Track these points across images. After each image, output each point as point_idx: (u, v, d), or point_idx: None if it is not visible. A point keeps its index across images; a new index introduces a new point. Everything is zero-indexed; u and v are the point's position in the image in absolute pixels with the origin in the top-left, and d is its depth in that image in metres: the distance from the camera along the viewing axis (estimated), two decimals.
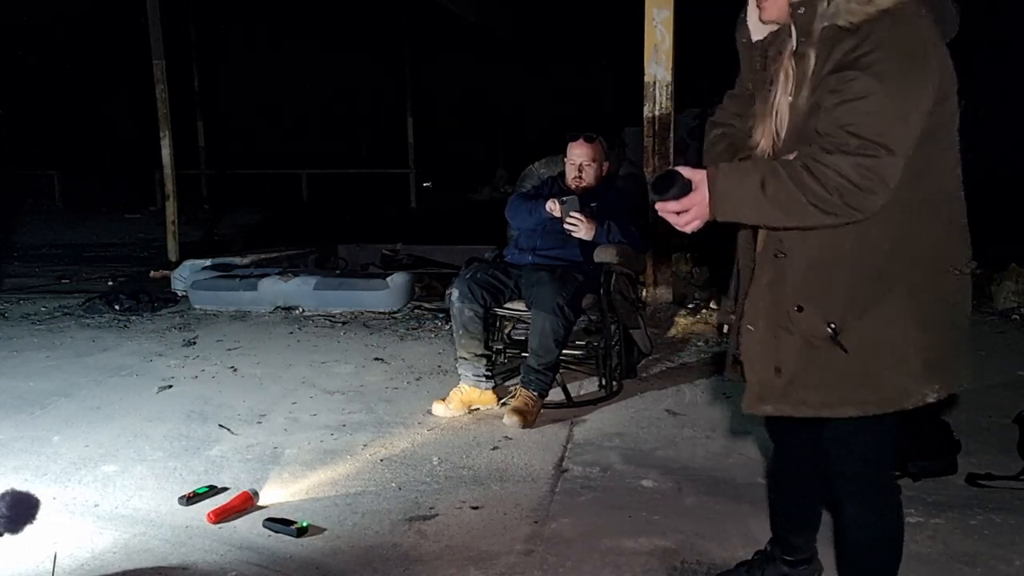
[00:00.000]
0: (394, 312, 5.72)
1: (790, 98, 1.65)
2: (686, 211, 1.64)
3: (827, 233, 1.62)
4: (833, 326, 1.64)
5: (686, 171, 1.64)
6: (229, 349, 4.88)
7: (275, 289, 5.91)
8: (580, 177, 3.92)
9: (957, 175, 1.69)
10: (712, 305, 5.24)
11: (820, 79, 1.59)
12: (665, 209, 1.65)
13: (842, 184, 1.52)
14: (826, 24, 1.57)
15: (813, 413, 1.73)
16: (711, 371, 4.24)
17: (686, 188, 1.63)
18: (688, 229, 1.68)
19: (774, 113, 1.69)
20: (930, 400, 1.67)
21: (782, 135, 1.68)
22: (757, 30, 1.73)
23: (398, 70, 15.71)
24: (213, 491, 2.90)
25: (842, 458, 1.80)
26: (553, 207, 3.79)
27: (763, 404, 1.76)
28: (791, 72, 1.65)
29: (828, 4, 1.56)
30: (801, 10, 1.59)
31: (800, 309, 1.67)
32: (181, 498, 2.84)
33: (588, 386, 4.04)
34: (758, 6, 1.70)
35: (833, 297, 1.65)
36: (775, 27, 1.70)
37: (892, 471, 1.88)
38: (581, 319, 3.80)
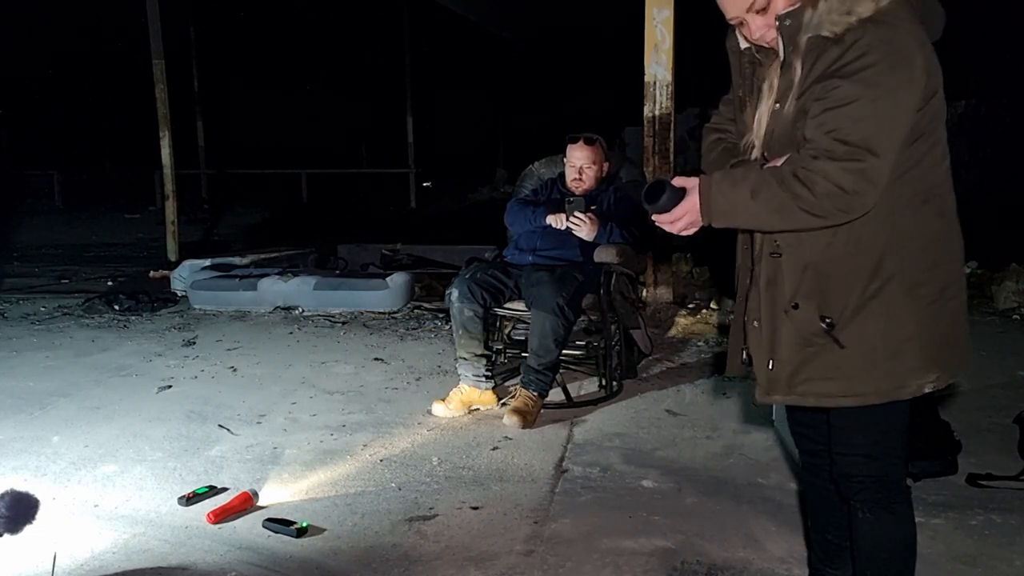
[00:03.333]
0: (394, 312, 5.71)
1: (776, 106, 1.71)
2: (679, 219, 1.72)
3: (820, 233, 1.66)
4: (828, 321, 1.69)
5: (679, 180, 1.72)
6: (229, 349, 4.88)
7: (275, 289, 5.91)
8: (580, 179, 3.92)
9: (946, 169, 1.73)
10: (712, 305, 5.23)
11: (806, 87, 1.64)
12: (661, 221, 1.74)
13: (830, 189, 1.57)
14: (810, 35, 1.62)
15: (815, 403, 1.78)
16: (711, 371, 4.23)
17: (676, 195, 1.70)
18: (684, 234, 1.76)
19: (760, 120, 1.75)
20: (927, 390, 1.71)
21: (769, 142, 1.73)
22: (744, 37, 1.78)
23: (398, 70, 15.69)
24: (213, 491, 2.90)
25: (846, 456, 1.81)
26: (555, 221, 3.80)
27: (772, 395, 1.81)
28: (776, 82, 1.71)
29: (812, 15, 1.61)
30: (787, 22, 1.64)
31: (796, 307, 1.72)
32: (181, 498, 2.84)
33: (588, 386, 4.04)
34: (740, 32, 1.75)
35: (828, 295, 1.69)
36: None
37: (903, 473, 1.87)
38: (581, 319, 3.80)
